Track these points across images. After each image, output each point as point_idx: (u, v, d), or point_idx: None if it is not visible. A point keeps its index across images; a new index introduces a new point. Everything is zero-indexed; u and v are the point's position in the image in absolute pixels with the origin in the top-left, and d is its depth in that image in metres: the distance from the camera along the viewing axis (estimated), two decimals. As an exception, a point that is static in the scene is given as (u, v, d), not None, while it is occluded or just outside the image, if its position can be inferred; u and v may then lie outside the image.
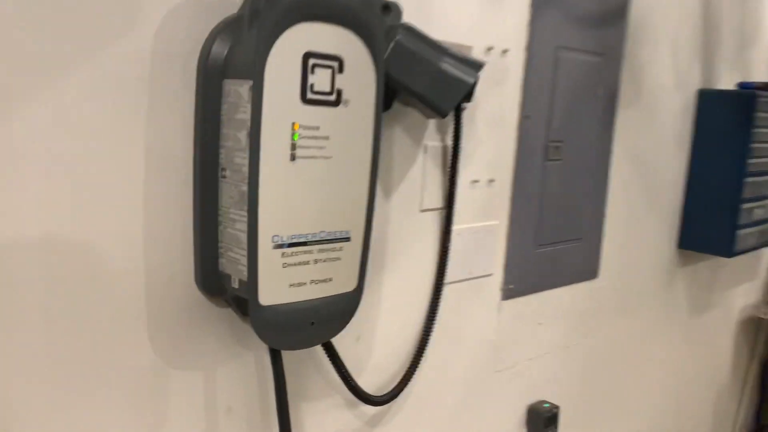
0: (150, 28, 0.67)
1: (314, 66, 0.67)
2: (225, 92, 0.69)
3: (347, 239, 0.75)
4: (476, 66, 0.85)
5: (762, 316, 2.10)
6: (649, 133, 1.43)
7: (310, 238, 0.71)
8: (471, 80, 0.84)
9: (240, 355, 0.80)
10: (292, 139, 0.67)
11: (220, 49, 0.69)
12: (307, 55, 0.67)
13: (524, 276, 1.18)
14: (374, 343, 0.95)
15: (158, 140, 0.69)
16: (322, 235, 0.72)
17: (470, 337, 1.11)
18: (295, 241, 0.70)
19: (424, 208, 0.98)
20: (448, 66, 0.83)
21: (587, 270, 1.34)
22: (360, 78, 0.72)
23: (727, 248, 1.56)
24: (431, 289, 1.01)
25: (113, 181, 0.66)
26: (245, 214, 0.67)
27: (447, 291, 1.03)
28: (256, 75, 0.64)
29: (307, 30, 0.67)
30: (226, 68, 0.69)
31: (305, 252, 0.71)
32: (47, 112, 0.61)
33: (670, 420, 1.80)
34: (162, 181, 0.70)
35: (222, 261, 0.72)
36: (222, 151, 0.70)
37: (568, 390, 1.36)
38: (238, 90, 0.68)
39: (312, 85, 0.68)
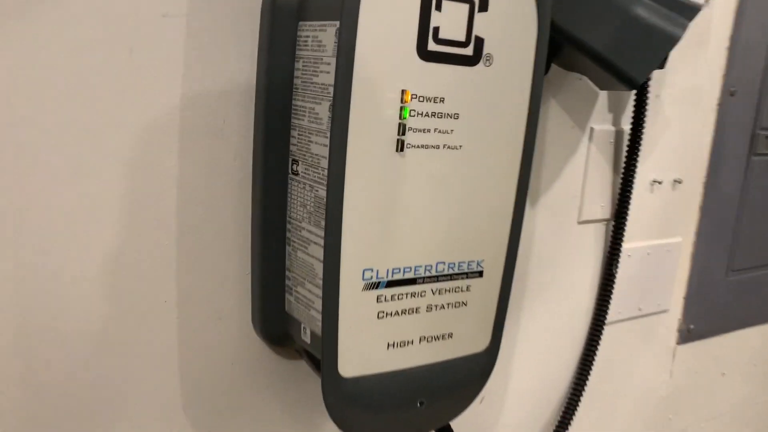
0: (189, -61, 0.43)
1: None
2: (300, 42, 0.45)
3: (478, 274, 0.48)
4: (688, 11, 0.56)
5: None
6: None
7: (422, 274, 0.46)
8: (679, 33, 0.55)
9: (316, 429, 0.56)
10: (401, 117, 0.42)
11: (295, -24, 0.45)
12: (431, -19, 0.41)
13: (709, 312, 0.87)
14: (504, 405, 0.69)
15: (201, 114, 0.45)
16: (441, 268, 0.46)
17: (634, 392, 0.82)
18: (398, 278, 0.44)
19: (584, 218, 0.69)
20: (646, 11, 0.54)
21: (790, 303, 1.00)
22: (513, 22, 0.45)
23: None
24: (586, 331, 0.73)
25: (128, 173, 0.44)
26: (322, 233, 0.42)
27: (607, 332, 0.74)
28: (345, 10, 0.38)
29: (432, -62, 0.41)
30: (302, 6, 0.45)
31: (414, 294, 0.46)
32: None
33: None
34: (204, 175, 0.46)
35: (290, 299, 0.48)
36: (294, 133, 0.46)
37: (751, 458, 1.03)
38: (318, 37, 0.43)
39: (436, 31, 0.41)
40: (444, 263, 0.46)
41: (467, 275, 0.48)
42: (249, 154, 0.48)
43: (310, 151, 0.44)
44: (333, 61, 0.41)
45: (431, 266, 0.46)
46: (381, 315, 0.44)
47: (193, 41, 0.44)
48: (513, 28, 0.45)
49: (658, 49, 0.55)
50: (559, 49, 0.58)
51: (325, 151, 0.42)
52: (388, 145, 0.42)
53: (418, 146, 0.43)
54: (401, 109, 0.41)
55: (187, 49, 0.44)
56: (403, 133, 0.42)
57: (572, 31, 0.54)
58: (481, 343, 0.50)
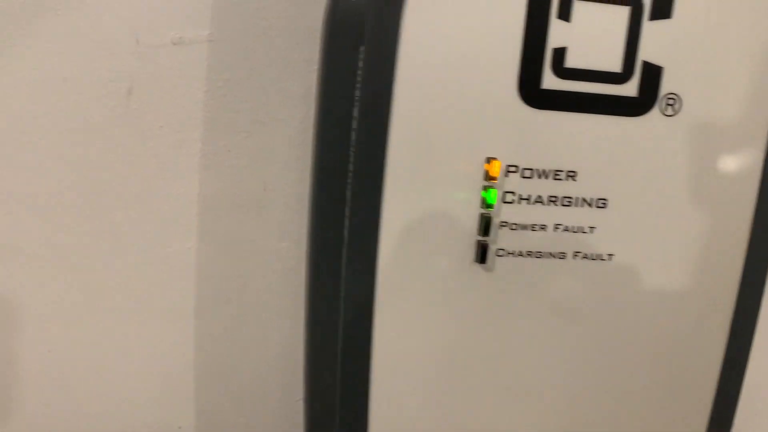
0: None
1: (574, -4, 0.23)
2: (359, 75, 0.29)
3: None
4: None
5: None
6: None
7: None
8: None
9: None
10: (485, 205, 0.24)
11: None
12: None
13: None
14: None
15: (230, 178, 0.32)
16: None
17: None
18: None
19: None
20: None
21: None
22: (726, 37, 0.24)
23: None
24: None
25: (127, 261, 0.32)
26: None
27: None
28: (373, 18, 0.22)
29: None
30: (364, 22, 0.29)
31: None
32: None
33: None
34: (237, 263, 0.33)
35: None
36: (347, 210, 0.31)
37: None
38: (371, 68, 0.27)
39: (560, 54, 0.23)
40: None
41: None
42: (302, 233, 0.34)
43: (356, 244, 0.28)
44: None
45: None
46: None
47: (218, 77, 0.31)
48: (727, 47, 0.24)
49: None
50: None
51: (368, 250, 0.26)
52: (459, 251, 0.24)
53: (520, 254, 0.24)
54: (485, 190, 0.24)
55: (210, 87, 0.31)
56: (486, 232, 0.24)
57: None
58: None
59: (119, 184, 0.31)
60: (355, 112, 0.29)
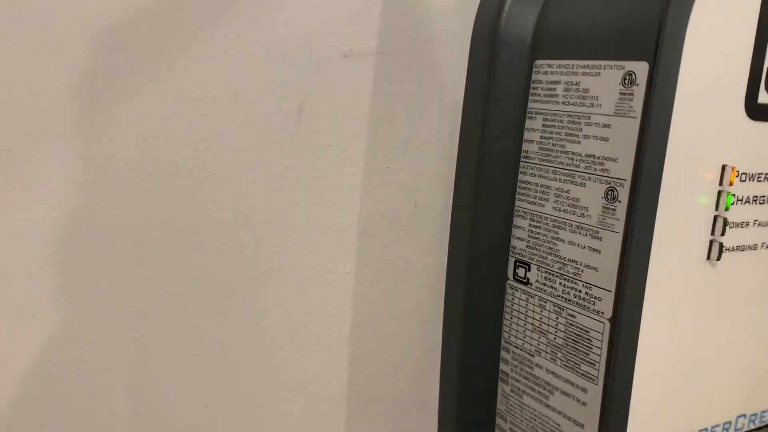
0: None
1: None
2: (539, 89, 0.30)
3: (783, 425, 0.33)
4: None
5: None
6: None
7: (721, 437, 0.30)
8: None
9: None
10: (723, 208, 0.27)
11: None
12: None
13: None
14: None
15: (386, 195, 0.31)
16: (742, 423, 0.31)
17: None
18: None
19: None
20: None
21: None
22: None
23: None
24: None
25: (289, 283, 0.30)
26: (583, 381, 0.27)
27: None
28: (667, 41, 0.24)
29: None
30: (542, 37, 0.30)
31: (709, 468, 0.30)
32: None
33: None
34: (386, 281, 0.32)
35: (501, 460, 0.33)
36: (521, 222, 0.31)
37: None
38: (579, 84, 0.28)
39: (778, 70, 0.27)
40: (745, 416, 0.31)
41: (772, 429, 0.32)
42: (444, 247, 0.33)
43: (557, 252, 0.29)
44: (613, 121, 0.26)
45: (730, 424, 0.31)
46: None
47: (382, 91, 0.30)
48: None
49: None
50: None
51: (590, 258, 0.27)
52: (696, 251, 0.27)
53: (735, 249, 0.28)
54: (721, 195, 0.26)
55: (375, 101, 0.30)
56: (723, 232, 0.27)
57: None
58: None
59: (284, 211, 0.29)
60: (534, 125, 0.30)
